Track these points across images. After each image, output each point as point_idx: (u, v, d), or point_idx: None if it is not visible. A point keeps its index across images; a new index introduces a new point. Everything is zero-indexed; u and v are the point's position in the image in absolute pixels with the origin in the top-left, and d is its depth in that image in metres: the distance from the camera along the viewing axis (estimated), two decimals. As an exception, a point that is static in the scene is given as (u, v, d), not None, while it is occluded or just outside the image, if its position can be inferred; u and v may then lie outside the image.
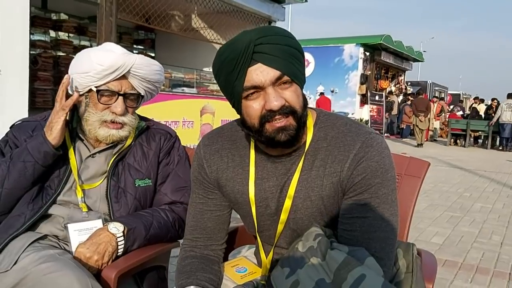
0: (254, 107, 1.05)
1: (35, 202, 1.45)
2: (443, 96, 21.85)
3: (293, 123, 1.06)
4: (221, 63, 1.05)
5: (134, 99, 1.54)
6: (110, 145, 1.55)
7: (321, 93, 15.82)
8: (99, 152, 1.54)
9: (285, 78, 1.03)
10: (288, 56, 1.04)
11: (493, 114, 14.68)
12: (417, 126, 14.04)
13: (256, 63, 1.02)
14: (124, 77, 1.48)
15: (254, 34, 1.02)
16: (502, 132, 14.11)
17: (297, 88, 1.07)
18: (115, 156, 1.54)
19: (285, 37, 1.05)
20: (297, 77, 1.06)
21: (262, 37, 1.02)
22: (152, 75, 1.53)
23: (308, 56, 16.32)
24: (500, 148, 14.44)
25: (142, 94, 1.55)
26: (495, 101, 15.37)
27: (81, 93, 1.50)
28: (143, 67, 1.49)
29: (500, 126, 14.05)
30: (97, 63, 1.43)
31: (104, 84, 1.46)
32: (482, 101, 17.74)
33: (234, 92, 1.06)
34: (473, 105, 17.58)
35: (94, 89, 1.46)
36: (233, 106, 1.12)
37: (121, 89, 1.48)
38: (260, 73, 1.02)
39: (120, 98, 1.49)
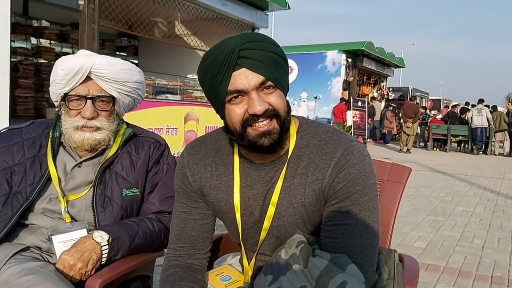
0: (237, 111, 1.06)
1: (3, 211, 1.43)
2: (425, 105, 22.11)
3: (277, 127, 1.07)
4: (206, 66, 1.06)
5: (105, 101, 1.50)
6: (96, 154, 1.53)
7: (341, 99, 15.70)
8: (86, 161, 1.53)
9: (269, 83, 1.05)
10: (272, 63, 1.05)
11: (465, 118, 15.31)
12: (404, 132, 14.13)
13: (241, 67, 1.03)
14: (90, 79, 1.47)
15: (240, 39, 1.04)
16: (474, 136, 14.55)
17: (281, 93, 1.09)
18: (102, 163, 1.52)
19: (270, 44, 1.07)
20: (281, 84, 1.08)
21: (247, 42, 1.03)
22: (118, 74, 1.49)
23: (291, 62, 16.39)
24: (474, 152, 14.70)
25: (114, 96, 1.51)
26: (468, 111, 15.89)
27: (56, 103, 1.51)
28: (104, 66, 1.46)
29: (473, 131, 14.45)
30: (60, 69, 1.45)
31: (71, 89, 1.46)
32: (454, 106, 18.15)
33: (218, 96, 1.07)
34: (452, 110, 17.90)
35: (63, 95, 1.47)
36: (216, 111, 1.13)
37: (89, 92, 1.47)
38: (244, 77, 1.03)
39: (89, 102, 1.47)
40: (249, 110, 1.05)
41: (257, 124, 1.06)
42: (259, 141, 1.07)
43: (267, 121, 1.06)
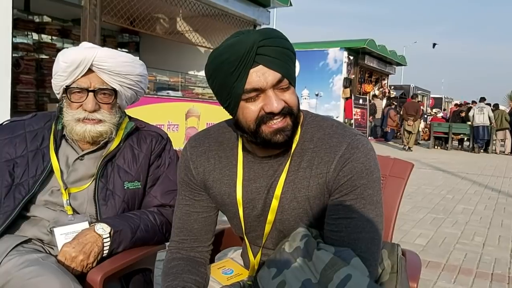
0: (252, 109, 1.05)
1: (5, 202, 1.43)
2: (426, 103, 22.07)
3: (290, 123, 1.07)
4: (220, 63, 1.04)
5: (107, 94, 1.50)
6: (98, 147, 1.53)
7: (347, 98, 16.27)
8: (88, 154, 1.53)
9: (285, 81, 1.04)
10: (287, 59, 1.05)
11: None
12: (406, 130, 14.13)
13: (258, 65, 1.02)
14: (92, 72, 1.46)
15: (258, 35, 1.02)
16: (476, 134, 14.49)
17: (294, 90, 1.09)
18: (104, 157, 1.52)
19: (284, 40, 1.06)
20: (293, 80, 1.08)
21: (265, 39, 1.02)
22: (120, 67, 1.49)
23: (292, 60, 16.38)
24: (475, 150, 14.65)
25: (116, 88, 1.51)
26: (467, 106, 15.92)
27: (58, 95, 1.51)
28: (107, 59, 1.46)
29: (474, 129, 14.40)
30: (62, 61, 1.45)
31: (73, 82, 1.46)
32: (460, 105, 18.11)
33: (232, 93, 1.05)
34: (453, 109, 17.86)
35: (64, 88, 1.47)
36: (226, 107, 1.11)
37: (91, 85, 1.47)
38: (261, 75, 1.02)
39: (90, 94, 1.47)
40: (265, 108, 1.04)
41: (272, 122, 1.05)
42: (274, 138, 1.06)
43: (282, 118, 1.06)
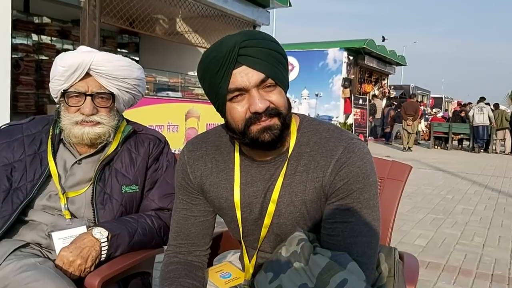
0: (239, 109, 1.05)
1: (3, 207, 1.43)
2: (423, 101, 22.05)
3: (278, 123, 1.07)
4: (206, 65, 1.06)
5: (105, 98, 1.51)
6: (96, 151, 1.53)
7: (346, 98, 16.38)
8: (86, 158, 1.53)
9: (269, 81, 1.04)
10: (272, 60, 1.05)
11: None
12: (405, 130, 14.15)
13: (241, 65, 1.03)
14: (89, 76, 1.47)
15: (240, 36, 1.03)
16: (476, 134, 14.47)
17: (281, 91, 1.08)
18: (101, 160, 1.52)
19: (270, 41, 1.07)
20: (281, 81, 1.07)
21: (247, 40, 1.03)
22: (117, 71, 1.49)
23: (292, 60, 16.39)
24: (475, 150, 14.63)
25: (114, 92, 1.52)
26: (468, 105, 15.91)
27: (56, 99, 1.52)
28: (104, 63, 1.46)
29: (474, 129, 14.39)
30: (60, 65, 1.45)
31: (70, 86, 1.46)
32: (464, 105, 18.09)
33: (218, 94, 1.06)
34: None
35: (62, 92, 1.47)
36: (217, 109, 1.12)
37: (88, 89, 1.47)
38: (244, 75, 1.03)
39: (88, 98, 1.47)
40: (250, 108, 1.04)
41: (259, 122, 1.05)
42: (261, 136, 1.06)
43: (268, 118, 1.06)
